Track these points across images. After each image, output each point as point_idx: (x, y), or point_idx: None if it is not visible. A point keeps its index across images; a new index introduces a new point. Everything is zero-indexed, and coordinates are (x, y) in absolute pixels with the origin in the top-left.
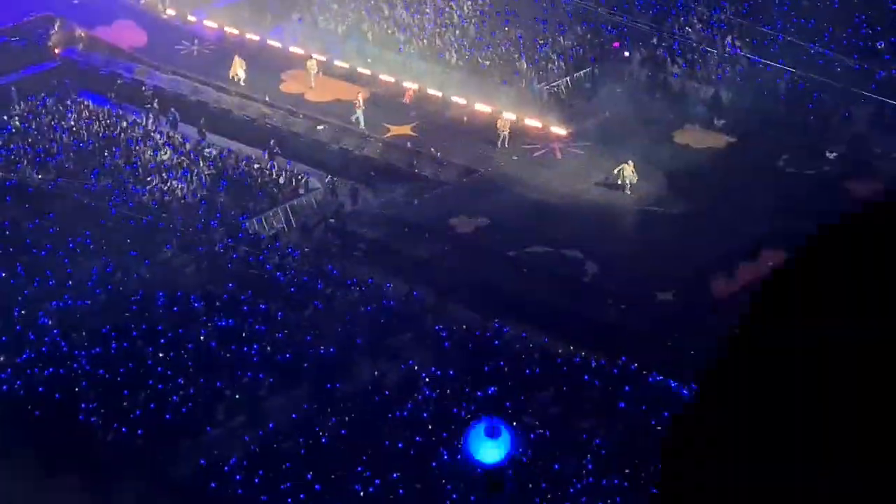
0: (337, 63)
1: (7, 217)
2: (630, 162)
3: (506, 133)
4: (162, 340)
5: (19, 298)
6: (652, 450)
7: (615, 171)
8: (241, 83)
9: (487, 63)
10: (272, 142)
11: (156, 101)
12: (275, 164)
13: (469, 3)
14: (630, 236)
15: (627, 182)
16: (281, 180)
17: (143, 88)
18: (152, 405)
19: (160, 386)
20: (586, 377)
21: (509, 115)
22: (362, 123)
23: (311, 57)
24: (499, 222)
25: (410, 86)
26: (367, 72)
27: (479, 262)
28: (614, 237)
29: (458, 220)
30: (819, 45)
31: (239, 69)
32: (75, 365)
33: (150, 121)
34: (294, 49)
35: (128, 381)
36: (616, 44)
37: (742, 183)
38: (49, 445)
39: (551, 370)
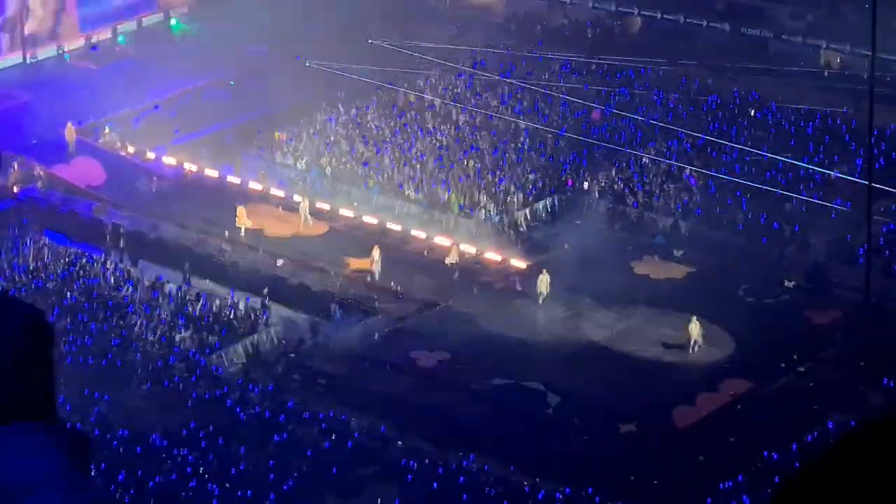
0: (296, 199)
1: None
2: (694, 319)
3: (545, 292)
4: (121, 478)
5: None
6: None
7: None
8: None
9: (446, 196)
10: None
11: (121, 240)
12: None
13: (427, 137)
14: (591, 369)
15: (695, 341)
16: (240, 315)
17: (121, 230)
18: None
19: None
20: None
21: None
22: (376, 275)
23: (304, 199)
24: (460, 356)
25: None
26: (327, 206)
27: (442, 396)
28: (575, 370)
29: (420, 354)
30: (776, 175)
31: (245, 220)
32: None
33: (110, 259)
34: (253, 185)
35: None
36: (570, 182)
37: (702, 313)
38: None
39: (515, 502)
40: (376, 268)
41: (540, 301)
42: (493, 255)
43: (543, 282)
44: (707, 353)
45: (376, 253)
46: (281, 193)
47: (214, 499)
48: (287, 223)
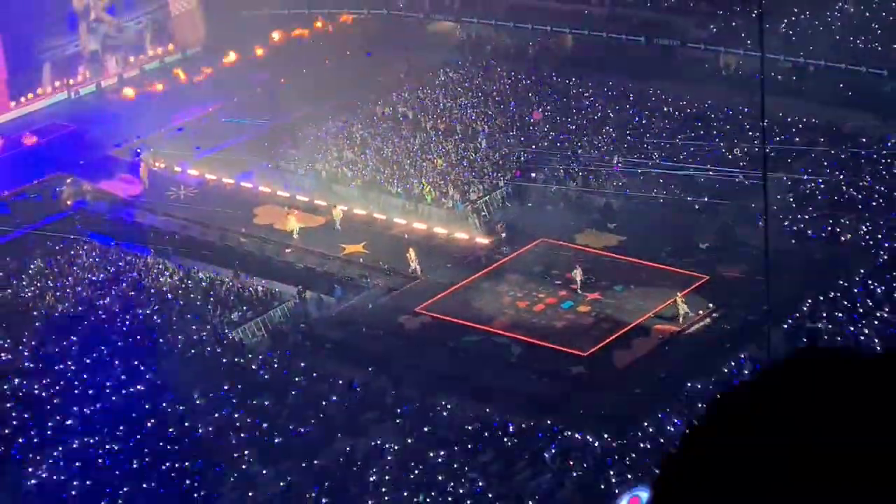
0: (299, 197)
1: (35, 341)
2: (679, 294)
3: (580, 280)
4: (170, 432)
5: (48, 407)
6: (575, 495)
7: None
8: (295, 236)
9: (420, 190)
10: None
11: (169, 247)
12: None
13: (401, 142)
14: (546, 322)
15: (682, 312)
16: (259, 295)
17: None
18: (163, 488)
19: (173, 469)
20: (518, 439)
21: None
22: (419, 272)
23: (335, 206)
24: (439, 318)
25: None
26: (324, 203)
27: (426, 352)
28: (533, 324)
29: (406, 319)
30: (688, 160)
31: (295, 226)
32: (99, 460)
33: (151, 255)
34: (263, 188)
35: (144, 468)
36: (518, 173)
37: (633, 274)
38: None
39: (489, 434)
40: (415, 265)
41: (578, 289)
42: (461, 235)
43: (577, 273)
44: (638, 306)
45: (412, 253)
46: (344, 207)
47: (245, 443)
48: (290, 217)
